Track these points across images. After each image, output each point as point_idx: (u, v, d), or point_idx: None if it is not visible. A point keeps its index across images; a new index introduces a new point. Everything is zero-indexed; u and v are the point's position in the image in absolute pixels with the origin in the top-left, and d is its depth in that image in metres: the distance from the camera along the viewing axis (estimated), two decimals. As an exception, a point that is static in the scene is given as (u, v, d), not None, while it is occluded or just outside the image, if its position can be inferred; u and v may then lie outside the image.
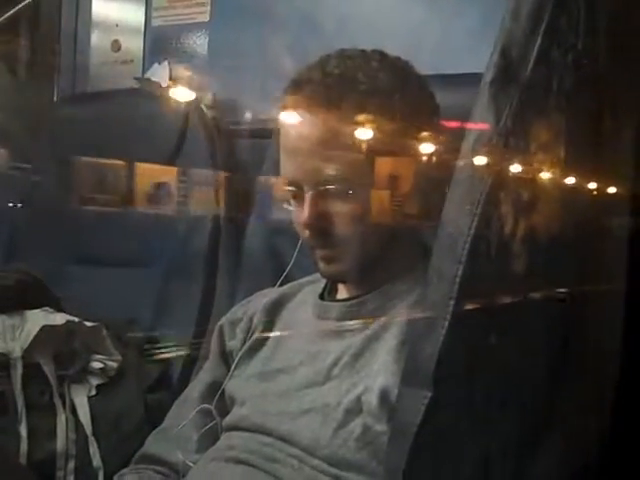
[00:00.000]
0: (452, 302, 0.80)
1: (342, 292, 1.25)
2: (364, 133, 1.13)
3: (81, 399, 1.47)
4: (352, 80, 1.13)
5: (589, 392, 0.87)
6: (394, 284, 1.19)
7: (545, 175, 0.83)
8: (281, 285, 1.36)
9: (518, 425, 0.83)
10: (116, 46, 2.07)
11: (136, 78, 1.96)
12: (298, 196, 1.16)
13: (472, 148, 0.83)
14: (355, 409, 1.08)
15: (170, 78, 1.94)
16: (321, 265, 1.19)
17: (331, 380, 1.14)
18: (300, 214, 1.16)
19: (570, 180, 0.83)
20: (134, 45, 2.06)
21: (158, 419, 1.39)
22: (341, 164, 1.11)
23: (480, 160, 0.83)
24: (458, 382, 0.82)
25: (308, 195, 1.14)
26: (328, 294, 1.27)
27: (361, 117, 1.12)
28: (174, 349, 1.64)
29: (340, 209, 1.13)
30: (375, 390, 1.07)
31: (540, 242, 0.83)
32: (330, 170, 1.12)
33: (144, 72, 2.03)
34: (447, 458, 0.82)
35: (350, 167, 1.11)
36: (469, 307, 0.81)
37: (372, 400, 1.07)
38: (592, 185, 0.83)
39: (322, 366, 1.16)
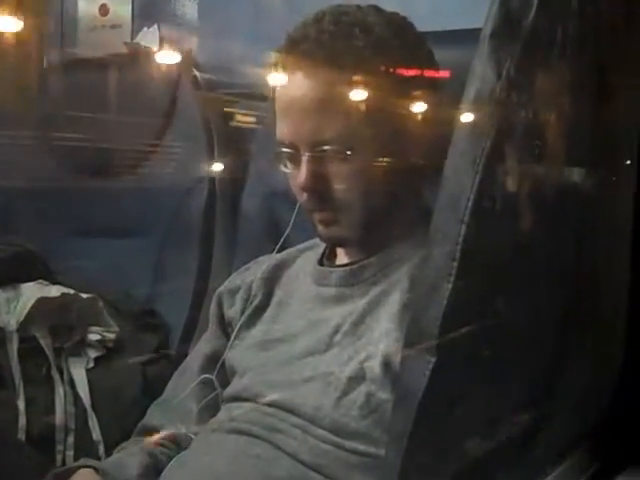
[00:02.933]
0: (455, 264, 0.78)
1: (341, 257, 1.22)
2: (361, 91, 1.10)
3: (79, 372, 1.45)
4: (348, 36, 1.09)
5: (594, 357, 0.84)
6: (395, 247, 1.16)
7: (549, 129, 0.80)
8: (279, 251, 1.33)
9: (525, 389, 0.80)
10: (104, 10, 2.02)
11: (125, 43, 1.92)
12: (295, 158, 1.13)
13: (472, 103, 0.81)
14: (358, 377, 1.06)
15: (160, 42, 1.90)
16: (320, 228, 1.16)
17: (333, 348, 1.12)
18: (297, 176, 1.13)
19: (575, 133, 0.80)
20: (122, 9, 2.01)
21: (157, 390, 1.37)
22: (338, 124, 1.08)
23: (481, 115, 0.80)
24: (463, 346, 0.80)
25: (305, 157, 1.11)
26: (327, 260, 1.24)
27: (358, 74, 1.09)
28: (172, 319, 1.62)
29: (338, 170, 1.11)
30: (378, 357, 1.05)
31: (545, 199, 0.80)
32: (327, 130, 1.09)
33: (133, 37, 1.98)
34: (453, 424, 0.79)
35: (348, 126, 1.09)
36: (473, 268, 0.79)
37: (375, 367, 1.05)
38: (598, 138, 0.80)
39: (323, 334, 1.14)
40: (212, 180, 1.68)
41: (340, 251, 1.23)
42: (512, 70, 0.77)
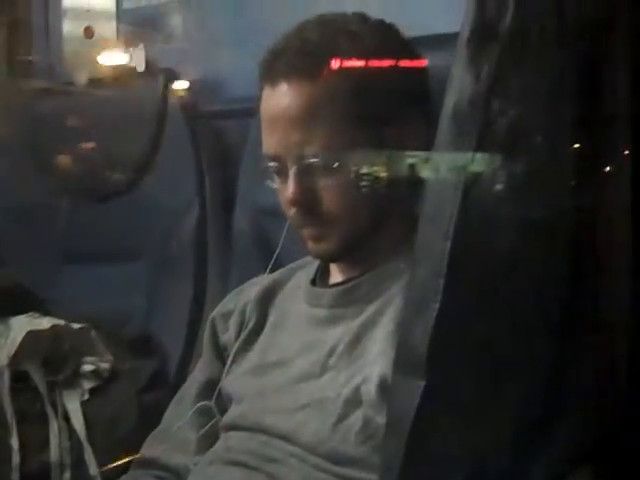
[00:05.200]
0: (442, 281, 0.74)
1: (335, 275, 1.18)
2: (348, 101, 1.05)
3: (74, 405, 1.41)
4: (332, 45, 1.06)
5: (595, 372, 0.79)
6: (389, 264, 1.11)
7: (534, 135, 0.75)
8: (273, 270, 1.29)
9: (522, 412, 0.76)
10: (89, 33, 1.99)
11: (111, 65, 1.89)
12: (282, 172, 1.10)
13: (452, 113, 0.77)
14: (354, 401, 1.02)
15: (146, 62, 1.87)
16: (309, 244, 1.12)
17: (328, 371, 1.07)
18: (284, 191, 1.09)
19: (562, 138, 0.76)
20: (107, 30, 1.99)
21: (155, 420, 1.32)
22: (324, 136, 1.05)
23: (462, 124, 0.76)
24: (454, 369, 0.75)
25: (292, 170, 1.07)
26: (320, 279, 1.20)
27: (344, 84, 1.05)
28: (168, 345, 1.58)
29: (326, 184, 1.07)
30: (374, 379, 1.00)
31: (534, 209, 0.76)
32: (313, 143, 1.05)
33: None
34: (446, 451, 0.75)
35: (335, 138, 1.05)
36: (460, 286, 0.75)
37: (371, 390, 1.00)
38: (587, 143, 0.76)
39: (318, 357, 1.09)
40: (202, 201, 1.64)
41: (334, 269, 1.18)
42: (492, 75, 0.73)
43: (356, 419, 1.01)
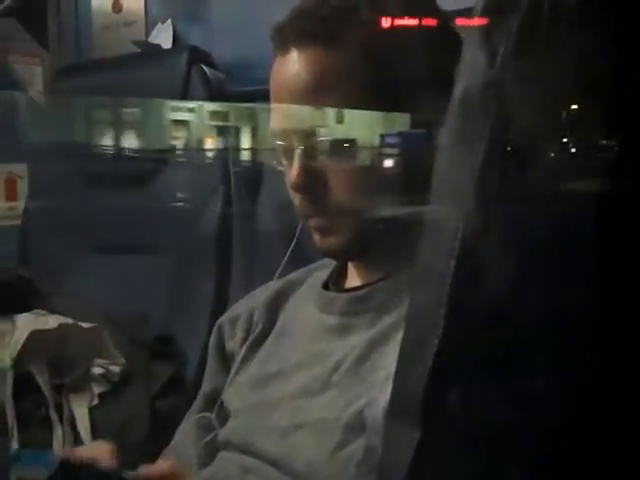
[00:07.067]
0: (442, 311, 0.60)
1: (352, 279, 1.04)
2: (364, 74, 0.92)
3: (81, 410, 1.31)
4: (351, 10, 0.93)
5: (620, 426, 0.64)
6: (412, 270, 0.97)
7: (557, 130, 0.61)
8: (291, 271, 1.16)
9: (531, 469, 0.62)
10: (117, 7, 1.89)
11: (135, 42, 1.78)
12: (288, 152, 0.97)
13: (461, 101, 0.63)
14: (357, 426, 0.88)
15: (173, 38, 1.76)
16: (316, 238, 0.99)
17: (331, 388, 0.94)
18: (290, 174, 0.96)
19: (587, 134, 0.61)
20: (135, 5, 1.89)
21: (169, 429, 1.21)
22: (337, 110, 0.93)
23: (472, 115, 0.62)
24: (454, 417, 0.62)
25: (297, 150, 0.94)
26: (335, 282, 1.07)
27: (361, 55, 0.92)
28: (187, 346, 1.47)
29: (335, 167, 0.94)
30: (381, 403, 0.85)
31: (557, 220, 0.61)
32: (322, 118, 0.93)
33: (148, 33, 1.85)
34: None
35: (349, 114, 0.93)
36: (466, 317, 0.61)
37: (377, 415, 0.85)
38: (620, 138, 0.60)
39: (321, 371, 0.96)
40: (227, 191, 1.51)
41: (352, 271, 1.05)
42: (508, 57, 0.59)
43: (357, 447, 0.87)
